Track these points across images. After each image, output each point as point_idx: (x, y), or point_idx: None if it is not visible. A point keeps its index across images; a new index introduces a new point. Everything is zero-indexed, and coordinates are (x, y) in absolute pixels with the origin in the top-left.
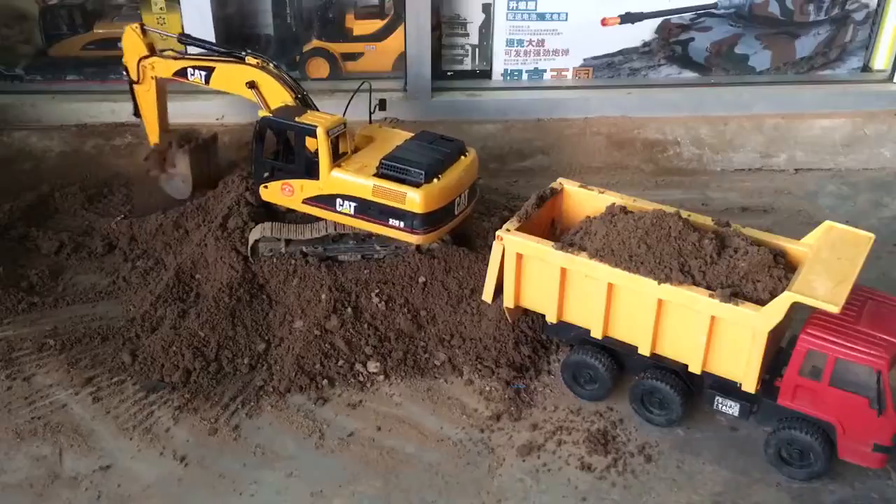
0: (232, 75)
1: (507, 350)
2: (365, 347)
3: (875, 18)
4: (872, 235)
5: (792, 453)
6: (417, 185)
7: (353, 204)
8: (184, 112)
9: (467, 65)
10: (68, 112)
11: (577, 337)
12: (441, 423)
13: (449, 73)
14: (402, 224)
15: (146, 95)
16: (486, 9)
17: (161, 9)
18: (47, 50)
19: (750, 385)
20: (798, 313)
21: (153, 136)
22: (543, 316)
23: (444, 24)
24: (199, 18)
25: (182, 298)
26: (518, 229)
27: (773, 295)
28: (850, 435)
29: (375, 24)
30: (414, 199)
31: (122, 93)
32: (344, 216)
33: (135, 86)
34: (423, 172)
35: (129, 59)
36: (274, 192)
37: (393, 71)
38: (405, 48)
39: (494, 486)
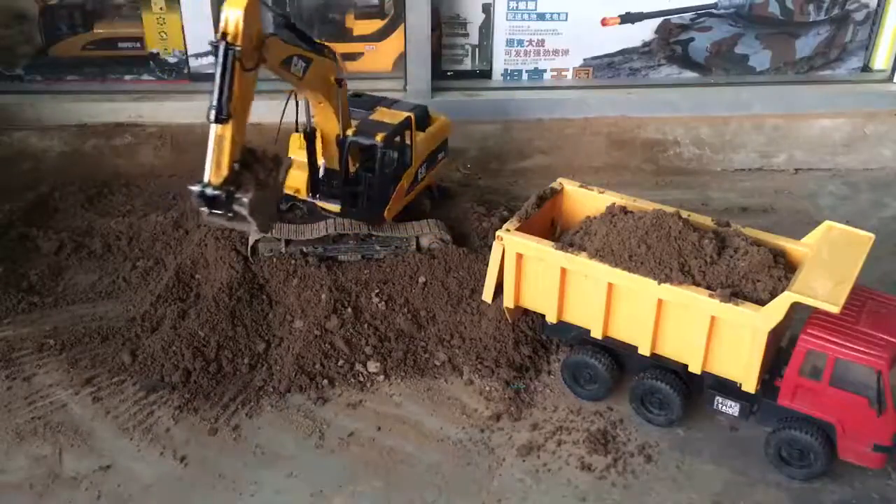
0: (324, 70)
1: (507, 350)
2: (365, 347)
3: (875, 18)
4: (872, 235)
5: (792, 453)
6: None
7: (426, 164)
8: (181, 112)
9: (467, 65)
10: (68, 112)
11: (577, 337)
12: (441, 423)
13: (449, 73)
14: (444, 152)
15: (250, 87)
16: (486, 9)
17: (161, 9)
18: (47, 50)
19: (750, 385)
20: (798, 313)
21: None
22: (543, 316)
23: (444, 24)
24: (199, 18)
25: (182, 298)
26: (518, 229)
27: (773, 295)
28: (850, 435)
29: (375, 24)
30: (449, 122)
31: (122, 93)
32: (424, 179)
33: (245, 73)
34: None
35: (248, 39)
36: (394, 207)
37: (393, 71)
38: (405, 48)
39: (494, 486)
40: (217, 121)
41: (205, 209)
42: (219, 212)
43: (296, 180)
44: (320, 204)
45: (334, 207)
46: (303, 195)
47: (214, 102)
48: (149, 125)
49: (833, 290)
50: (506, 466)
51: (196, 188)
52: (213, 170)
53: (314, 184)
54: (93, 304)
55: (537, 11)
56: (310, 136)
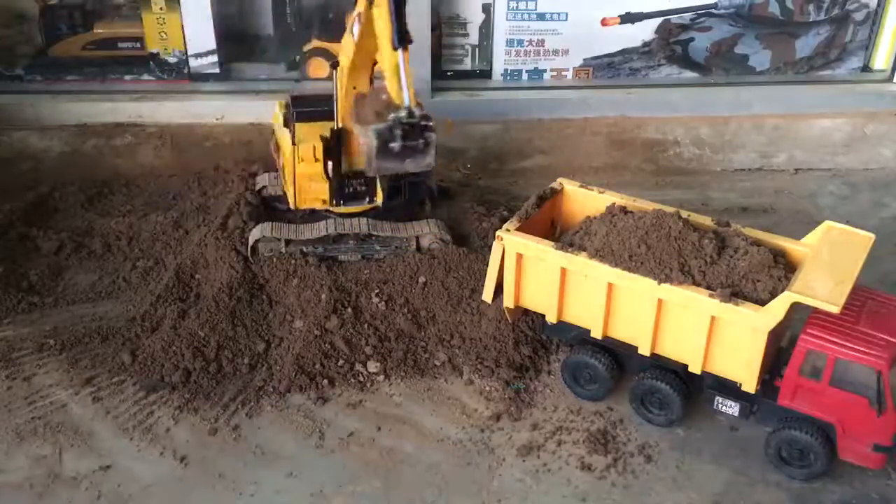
0: None
1: (507, 350)
2: (365, 347)
3: (875, 18)
4: (872, 235)
5: (792, 453)
6: None
7: None
8: (181, 112)
9: (467, 65)
10: (68, 112)
11: (577, 337)
12: (441, 423)
13: (449, 73)
14: None
15: None
16: (486, 9)
17: (161, 9)
18: (47, 50)
19: (750, 385)
20: (798, 313)
21: None
22: (543, 316)
23: (444, 24)
24: (199, 18)
25: (182, 298)
26: (518, 229)
27: (773, 295)
28: (850, 435)
29: None
30: None
31: (122, 92)
32: None
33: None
34: None
35: None
36: None
37: None
38: None
39: (494, 486)
40: (404, 45)
41: (396, 143)
42: (412, 142)
43: (321, 191)
44: (348, 209)
45: (366, 206)
46: (327, 205)
47: (396, 31)
48: (149, 125)
49: (833, 290)
50: (506, 466)
51: (402, 114)
52: (412, 95)
53: (340, 190)
54: (93, 304)
55: (537, 11)
56: (337, 139)
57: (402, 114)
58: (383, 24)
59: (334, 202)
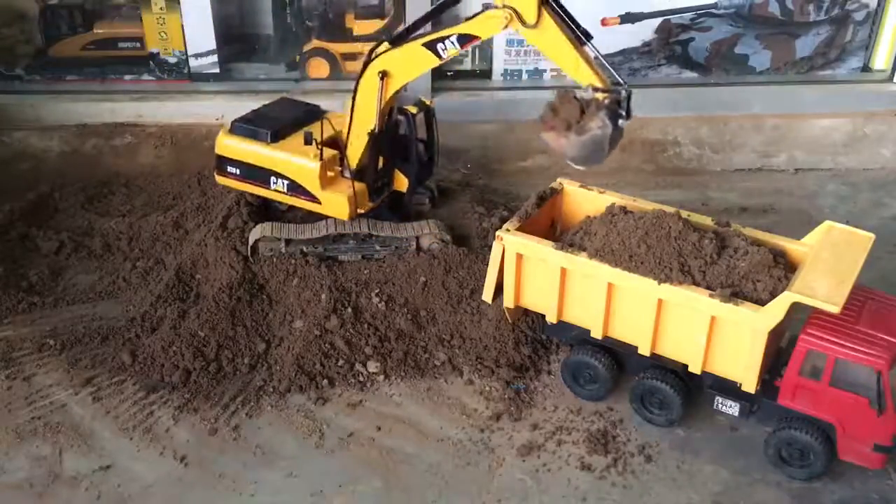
0: None
1: (507, 350)
2: (365, 347)
3: (875, 18)
4: (872, 235)
5: (792, 453)
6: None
7: None
8: (181, 112)
9: (467, 65)
10: (68, 112)
11: (577, 337)
12: (441, 423)
13: (449, 73)
14: None
15: None
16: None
17: (161, 9)
18: (47, 50)
19: (750, 385)
20: (798, 313)
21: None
22: (543, 316)
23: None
24: (199, 18)
25: (182, 298)
26: (518, 229)
27: (773, 295)
28: (851, 435)
29: (375, 24)
30: None
31: (122, 92)
32: None
33: None
34: None
35: None
36: None
37: None
38: None
39: (494, 486)
40: (589, 38)
41: (622, 119)
42: (622, 120)
43: (366, 196)
44: (377, 203)
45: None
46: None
47: (580, 30)
48: (149, 125)
49: (833, 290)
50: (506, 466)
51: (622, 91)
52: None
53: (375, 188)
54: (93, 304)
55: None
56: (377, 139)
57: (623, 89)
58: (557, 34)
59: (371, 200)
